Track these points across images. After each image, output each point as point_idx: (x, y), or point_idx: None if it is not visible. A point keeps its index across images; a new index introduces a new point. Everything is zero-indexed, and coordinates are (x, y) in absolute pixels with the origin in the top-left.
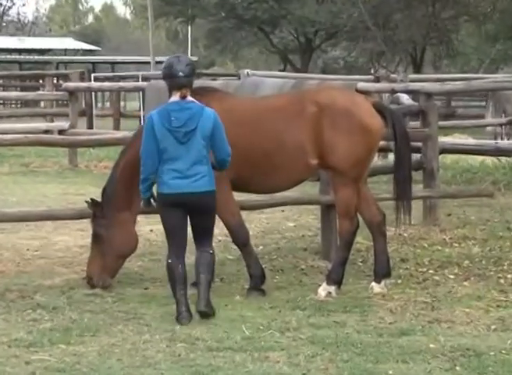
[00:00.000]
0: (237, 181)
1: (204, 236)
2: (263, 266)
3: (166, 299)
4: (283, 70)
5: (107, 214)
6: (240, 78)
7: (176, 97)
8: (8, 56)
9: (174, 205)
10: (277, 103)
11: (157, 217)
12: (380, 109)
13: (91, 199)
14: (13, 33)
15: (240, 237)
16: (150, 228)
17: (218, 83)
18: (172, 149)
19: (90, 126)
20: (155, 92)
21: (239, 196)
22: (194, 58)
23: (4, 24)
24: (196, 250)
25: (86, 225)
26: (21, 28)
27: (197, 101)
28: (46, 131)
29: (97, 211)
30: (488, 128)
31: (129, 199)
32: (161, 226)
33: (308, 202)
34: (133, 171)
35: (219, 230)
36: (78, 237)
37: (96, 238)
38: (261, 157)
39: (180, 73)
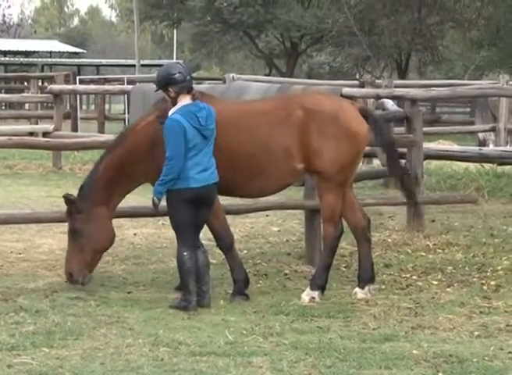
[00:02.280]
0: (223, 185)
1: (200, 230)
2: (247, 271)
3: (150, 303)
4: (269, 75)
5: (83, 209)
6: (225, 82)
7: (186, 99)
8: None
9: (193, 199)
10: (263, 107)
11: (140, 221)
12: (365, 115)
13: (66, 195)
14: None
15: (224, 241)
16: (134, 232)
17: (203, 87)
18: (199, 146)
19: (75, 129)
20: (140, 95)
21: (223, 200)
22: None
23: None
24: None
25: None
26: (6, 30)
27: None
28: (30, 133)
29: (72, 207)
30: (480, 134)
31: (107, 196)
32: (145, 230)
33: (293, 207)
34: (117, 170)
35: (203, 234)
36: (62, 239)
37: (72, 234)
38: (246, 161)
39: (188, 77)
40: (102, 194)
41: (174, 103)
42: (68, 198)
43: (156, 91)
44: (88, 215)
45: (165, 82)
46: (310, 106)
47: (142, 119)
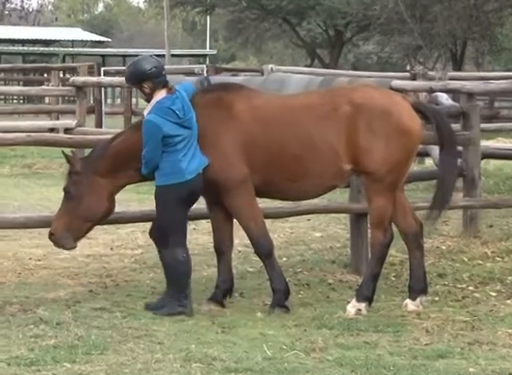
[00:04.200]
0: (262, 186)
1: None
2: (287, 280)
3: (180, 315)
4: (310, 66)
5: (83, 173)
6: (263, 74)
7: (161, 94)
8: (11, 47)
9: (189, 193)
10: (307, 102)
11: None
12: (421, 109)
13: (72, 153)
14: (16, 23)
15: (262, 248)
16: None
17: (239, 79)
18: (187, 138)
19: (100, 125)
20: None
21: (261, 203)
22: (213, 52)
23: (6, 13)
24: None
25: (94, 233)
26: (25, 17)
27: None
28: (51, 130)
29: (74, 166)
30: None
31: (112, 170)
32: None
33: (337, 211)
34: (130, 150)
35: (239, 239)
36: (85, 245)
37: (66, 194)
38: (289, 160)
39: (163, 71)
40: (107, 165)
41: (149, 99)
42: (68, 156)
43: (127, 86)
44: (86, 179)
45: (140, 78)
46: (358, 100)
47: None
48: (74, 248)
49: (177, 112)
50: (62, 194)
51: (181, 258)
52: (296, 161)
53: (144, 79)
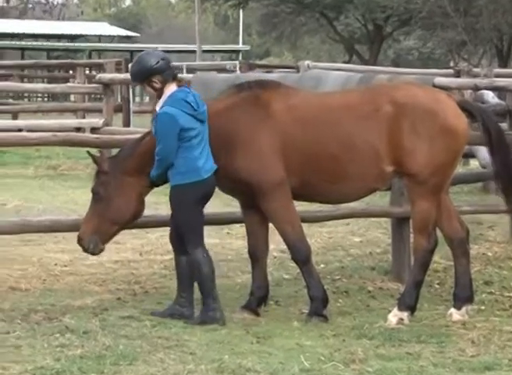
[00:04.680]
0: (299, 189)
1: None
2: (325, 288)
3: (213, 324)
4: (349, 62)
5: (111, 173)
6: (298, 71)
7: (173, 87)
8: (35, 43)
9: (205, 192)
10: (346, 100)
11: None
12: (466, 108)
13: (99, 152)
14: (40, 17)
15: (300, 253)
16: None
17: (274, 76)
18: (202, 132)
19: (127, 124)
20: (202, 85)
21: (297, 206)
22: (246, 48)
23: (30, 6)
24: (177, 252)
25: (122, 237)
26: (49, 11)
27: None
28: (77, 129)
29: (101, 166)
30: None
31: (142, 169)
32: (207, 241)
33: (377, 214)
34: None
35: (275, 244)
36: (113, 250)
37: (94, 195)
38: (328, 162)
39: (170, 63)
40: (136, 164)
41: (160, 95)
42: (94, 156)
43: (135, 85)
44: (114, 180)
45: (148, 73)
46: (401, 99)
47: (210, 106)
48: (102, 251)
49: (192, 103)
50: (91, 195)
51: (202, 259)
52: (336, 162)
53: (152, 73)
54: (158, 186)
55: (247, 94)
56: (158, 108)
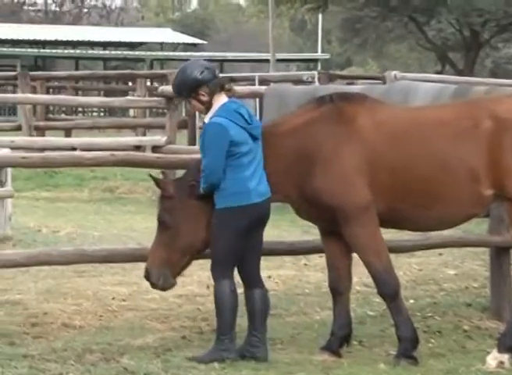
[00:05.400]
0: (387, 214)
1: (259, 261)
2: (415, 326)
3: (289, 366)
4: (441, 72)
5: (177, 197)
6: (385, 82)
7: (223, 98)
8: (90, 52)
9: (254, 219)
10: (441, 116)
11: (276, 260)
12: None
13: (162, 174)
14: (97, 23)
15: (387, 287)
16: (268, 274)
17: (357, 88)
18: (254, 150)
19: (193, 142)
20: (276, 98)
21: (383, 233)
22: (326, 56)
23: (85, 11)
24: (248, 286)
25: (187, 269)
26: (106, 16)
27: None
28: (137, 147)
29: (166, 190)
30: None
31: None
32: (282, 272)
33: (474, 244)
34: None
35: (357, 277)
36: (178, 283)
37: (160, 223)
38: (420, 185)
39: (216, 72)
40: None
41: (209, 108)
42: (156, 179)
43: (181, 101)
44: (180, 205)
45: (194, 85)
46: (503, 115)
47: (287, 121)
48: (173, 286)
49: (245, 116)
50: (152, 222)
51: (229, 293)
52: (428, 184)
53: (199, 85)
54: None
55: (329, 108)
56: (206, 121)
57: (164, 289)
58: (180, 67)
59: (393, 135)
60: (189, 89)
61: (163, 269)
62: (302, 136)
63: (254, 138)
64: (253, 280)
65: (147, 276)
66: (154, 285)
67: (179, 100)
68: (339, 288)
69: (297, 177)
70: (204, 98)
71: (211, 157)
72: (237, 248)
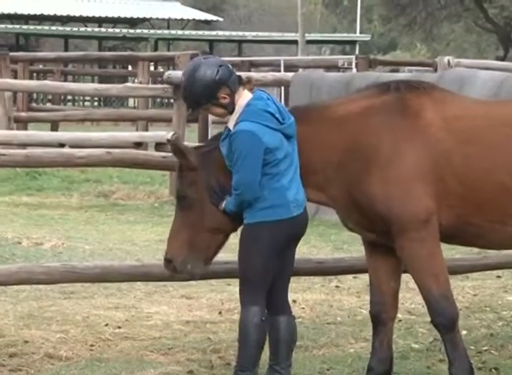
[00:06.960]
0: (453, 227)
1: (288, 284)
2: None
3: None
4: (504, 58)
5: (202, 168)
6: (436, 70)
7: (246, 95)
8: (83, 29)
9: (291, 234)
10: None
11: (302, 281)
12: None
13: (173, 139)
14: None
15: (444, 316)
16: (293, 298)
17: (403, 75)
18: (290, 153)
19: (205, 138)
20: (305, 87)
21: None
22: (366, 37)
23: None
24: (273, 312)
25: (196, 290)
26: None
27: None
28: (137, 144)
29: (188, 161)
30: None
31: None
32: (309, 296)
33: None
34: None
35: (399, 303)
36: (183, 307)
37: (182, 202)
38: (496, 194)
39: (230, 67)
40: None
41: (231, 109)
42: (176, 145)
43: (194, 111)
44: (207, 176)
45: (214, 89)
46: None
47: (339, 104)
48: (205, 272)
49: (276, 115)
50: (175, 203)
51: (258, 322)
52: (507, 195)
53: (218, 87)
54: None
55: (393, 97)
56: (231, 126)
57: (194, 276)
58: (184, 72)
59: (467, 134)
60: (208, 95)
61: (189, 253)
62: (356, 126)
63: (289, 138)
64: (280, 306)
65: (168, 265)
66: (178, 272)
67: (194, 114)
68: (381, 316)
69: (346, 177)
70: (226, 101)
71: (245, 172)
72: (271, 268)
